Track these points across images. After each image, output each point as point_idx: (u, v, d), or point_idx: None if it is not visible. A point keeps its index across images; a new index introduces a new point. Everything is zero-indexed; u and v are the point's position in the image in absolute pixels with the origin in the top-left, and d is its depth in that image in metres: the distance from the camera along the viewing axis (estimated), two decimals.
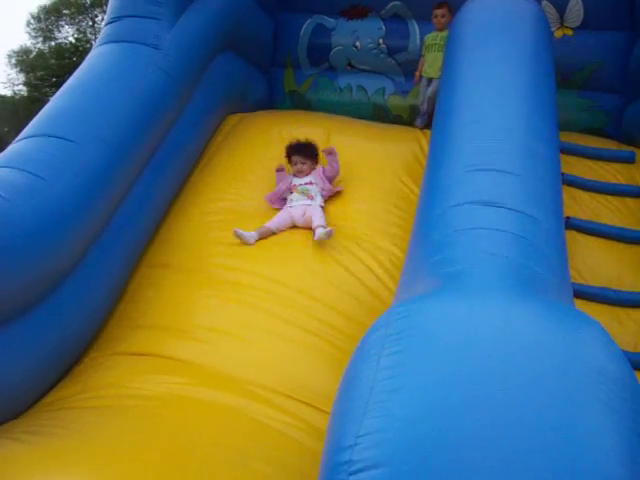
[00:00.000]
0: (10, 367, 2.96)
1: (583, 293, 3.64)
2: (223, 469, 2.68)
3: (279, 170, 4.40)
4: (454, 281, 2.28)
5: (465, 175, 3.10)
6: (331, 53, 5.75)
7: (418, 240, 3.03)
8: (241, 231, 3.89)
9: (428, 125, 4.90)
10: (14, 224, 3.01)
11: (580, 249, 4.00)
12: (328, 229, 3.88)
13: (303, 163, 4.35)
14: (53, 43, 24.82)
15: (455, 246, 2.64)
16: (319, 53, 5.80)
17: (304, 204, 4.14)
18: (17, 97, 24.46)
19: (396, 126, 5.25)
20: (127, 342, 3.46)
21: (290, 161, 4.41)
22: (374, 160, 4.56)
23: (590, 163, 4.65)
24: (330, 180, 4.34)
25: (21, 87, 24.79)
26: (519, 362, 1.55)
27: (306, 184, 4.27)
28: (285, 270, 3.75)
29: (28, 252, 3.03)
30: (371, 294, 3.69)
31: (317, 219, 4.00)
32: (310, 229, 4.00)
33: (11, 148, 3.49)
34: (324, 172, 4.33)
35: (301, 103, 5.84)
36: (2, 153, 3.47)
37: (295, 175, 4.35)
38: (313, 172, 4.35)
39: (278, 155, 4.53)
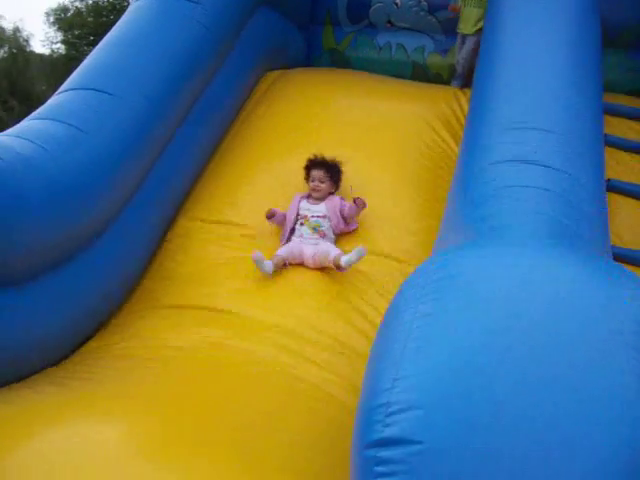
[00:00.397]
0: (49, 318, 3.02)
1: (622, 256, 3.59)
2: (259, 420, 2.73)
3: (269, 217, 3.78)
4: (493, 235, 2.27)
5: (506, 133, 3.07)
6: (371, 10, 5.67)
7: (457, 197, 3.01)
8: (261, 257, 3.48)
9: (467, 85, 4.83)
10: (54, 176, 3.03)
11: (620, 211, 3.94)
12: (358, 248, 3.46)
13: (322, 182, 3.86)
14: (90, 1, 24.81)
15: (494, 203, 2.62)
16: (358, 10, 5.71)
17: (314, 244, 3.68)
18: (55, 55, 24.56)
19: (435, 85, 5.18)
20: (163, 295, 3.50)
21: (308, 175, 3.92)
22: (412, 119, 4.51)
23: (633, 124, 4.56)
24: (345, 219, 3.81)
25: (59, 45, 24.88)
26: (559, 312, 1.55)
27: (319, 217, 3.78)
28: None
29: (68, 205, 3.07)
30: None
31: (332, 250, 3.59)
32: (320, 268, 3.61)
33: (51, 101, 3.52)
34: (342, 208, 3.79)
35: (340, 61, 5.78)
36: (42, 106, 3.51)
37: (309, 196, 3.87)
38: (328, 200, 3.85)
39: (316, 113, 4.49)
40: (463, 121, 4.34)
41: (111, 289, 3.43)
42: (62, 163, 3.09)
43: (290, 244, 3.70)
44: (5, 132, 3.21)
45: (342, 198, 3.86)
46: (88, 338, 3.32)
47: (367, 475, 1.36)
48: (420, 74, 5.59)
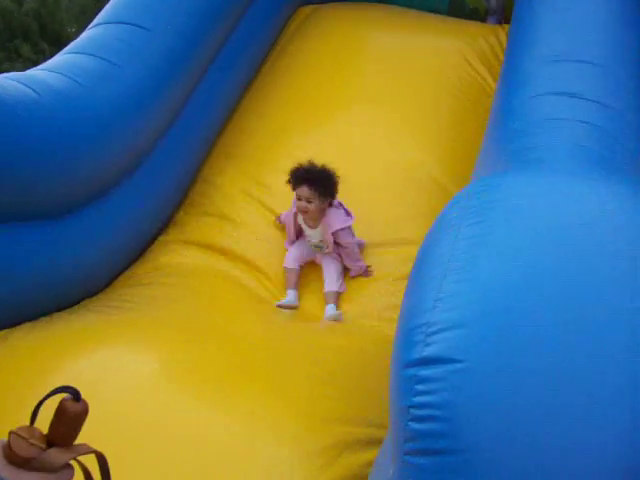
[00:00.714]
0: (90, 246, 3.07)
1: None
2: (295, 350, 2.76)
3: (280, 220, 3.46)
4: (535, 165, 2.22)
5: (548, 65, 2.99)
6: None
7: (495, 130, 2.95)
8: (284, 303, 3.21)
9: (503, 21, 4.69)
10: (89, 110, 3.03)
11: None
12: (337, 312, 3.16)
13: (309, 201, 3.21)
14: None
15: (535, 135, 2.57)
16: None
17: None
18: None
19: (473, 22, 5.04)
20: (196, 230, 3.52)
21: (294, 189, 3.31)
22: (449, 55, 4.40)
23: None
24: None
25: None
26: (603, 236, 1.51)
27: (320, 242, 3.36)
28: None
29: (103, 138, 3.07)
30: None
31: (330, 280, 3.26)
32: None
33: (84, 35, 3.48)
34: (334, 233, 3.26)
35: None
36: (75, 41, 3.48)
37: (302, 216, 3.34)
38: (324, 223, 3.28)
39: (350, 50, 4.40)
40: (502, 57, 4.22)
41: (145, 223, 3.45)
42: (97, 96, 3.08)
43: (298, 246, 3.41)
44: (37, 67, 3.20)
45: (340, 205, 3.32)
46: (124, 269, 3.36)
47: (407, 394, 1.36)
48: (457, 9, 5.42)
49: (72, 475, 1.05)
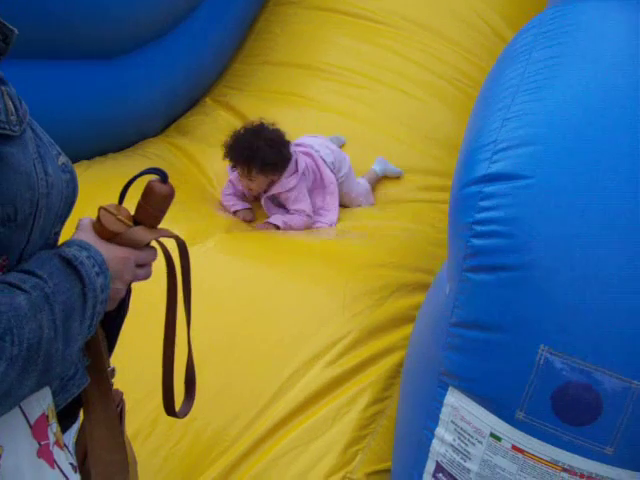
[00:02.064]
0: (144, 88, 3.04)
1: None
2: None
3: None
4: None
5: None
6: None
7: None
8: None
9: None
10: None
11: None
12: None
13: (250, 179, 2.77)
14: None
15: None
16: None
17: None
18: None
19: None
20: (254, 78, 3.45)
21: None
22: None
23: None
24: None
25: None
26: None
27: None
28: (425, 10, 3.53)
29: None
30: None
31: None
32: None
33: None
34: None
35: None
36: None
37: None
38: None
39: None
40: None
41: (200, 70, 3.39)
42: None
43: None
44: None
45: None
46: (179, 116, 3.35)
47: (470, 210, 1.33)
48: None
49: (155, 256, 1.08)
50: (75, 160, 2.74)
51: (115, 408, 1.11)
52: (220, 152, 2.82)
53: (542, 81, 1.42)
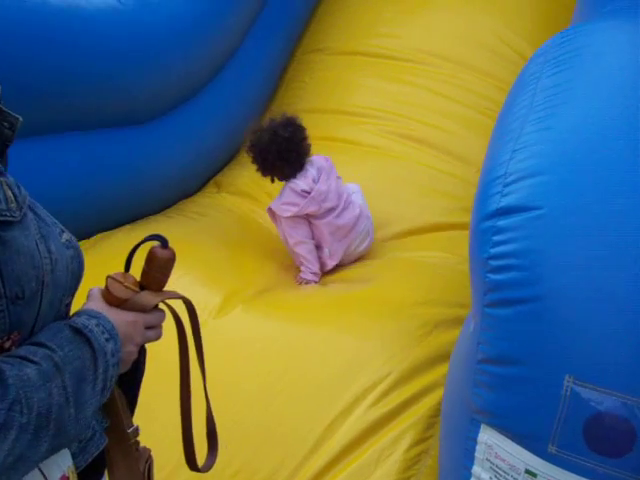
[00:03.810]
0: (182, 148, 3.12)
1: None
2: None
3: None
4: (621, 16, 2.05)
5: None
6: None
7: None
8: None
9: None
10: (175, 15, 3.02)
11: None
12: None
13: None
14: None
15: None
16: None
17: None
18: None
19: None
20: None
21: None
22: None
23: None
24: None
25: None
26: None
27: None
28: (450, 43, 3.57)
29: (187, 40, 3.07)
30: None
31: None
32: None
33: None
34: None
35: None
36: None
37: None
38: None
39: None
40: None
41: (233, 126, 3.47)
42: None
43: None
44: None
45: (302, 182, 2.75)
46: (217, 172, 3.43)
47: (485, 246, 1.33)
48: None
49: (163, 317, 1.14)
50: (118, 225, 2.83)
51: (137, 466, 1.14)
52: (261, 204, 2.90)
53: (550, 109, 1.42)
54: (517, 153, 1.37)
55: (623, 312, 1.18)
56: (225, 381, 2.05)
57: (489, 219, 1.34)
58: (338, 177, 2.86)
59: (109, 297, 1.06)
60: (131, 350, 1.06)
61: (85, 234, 2.69)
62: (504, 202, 1.32)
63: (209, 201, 3.19)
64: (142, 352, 1.15)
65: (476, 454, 1.44)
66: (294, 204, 2.71)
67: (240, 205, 3.20)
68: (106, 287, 1.07)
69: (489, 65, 3.47)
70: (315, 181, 2.74)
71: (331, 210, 2.76)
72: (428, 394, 2.02)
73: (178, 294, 1.14)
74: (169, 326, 1.15)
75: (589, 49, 1.54)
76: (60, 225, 1.05)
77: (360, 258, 2.91)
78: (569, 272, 1.23)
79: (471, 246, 1.44)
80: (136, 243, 1.12)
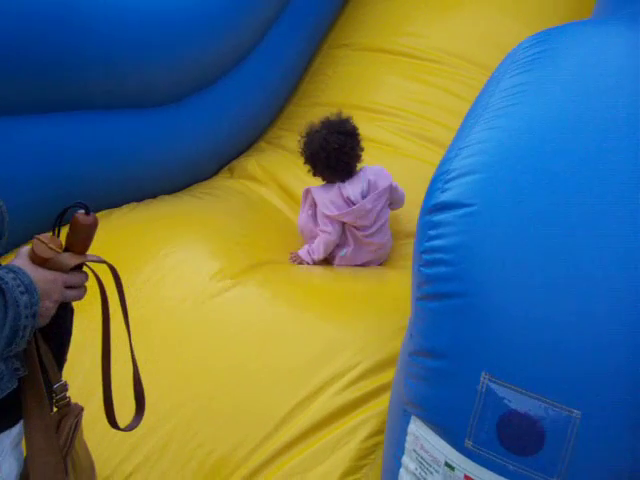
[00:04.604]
0: (196, 136, 3.17)
1: None
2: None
3: None
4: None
5: None
6: None
7: None
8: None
9: None
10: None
11: None
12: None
13: None
14: None
15: None
16: None
17: None
18: None
19: None
20: (305, 120, 3.53)
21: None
22: None
23: None
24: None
25: None
26: None
27: None
28: (472, 45, 3.55)
29: (211, 26, 3.13)
30: None
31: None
32: None
33: None
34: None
35: None
36: None
37: None
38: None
39: None
40: None
41: (255, 112, 3.52)
42: None
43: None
44: None
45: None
46: (232, 159, 3.49)
47: (421, 240, 1.35)
48: None
49: (85, 279, 1.24)
50: (128, 201, 2.91)
51: (49, 415, 1.23)
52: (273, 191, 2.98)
53: (502, 109, 1.43)
54: (462, 150, 1.39)
55: (539, 312, 1.20)
56: (200, 359, 2.12)
57: (427, 214, 1.37)
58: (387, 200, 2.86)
59: (33, 256, 1.15)
60: (48, 306, 1.15)
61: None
62: (442, 198, 1.34)
63: (220, 184, 3.25)
64: (69, 312, 1.25)
65: (406, 444, 1.46)
66: (337, 206, 2.76)
67: (252, 188, 3.24)
68: (32, 247, 1.16)
69: None
70: (363, 195, 2.77)
71: (365, 228, 2.80)
72: None
73: (100, 258, 1.23)
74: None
75: (555, 52, 1.54)
76: None
77: None
78: (493, 269, 1.24)
79: (415, 240, 1.46)
80: (62, 209, 1.21)
